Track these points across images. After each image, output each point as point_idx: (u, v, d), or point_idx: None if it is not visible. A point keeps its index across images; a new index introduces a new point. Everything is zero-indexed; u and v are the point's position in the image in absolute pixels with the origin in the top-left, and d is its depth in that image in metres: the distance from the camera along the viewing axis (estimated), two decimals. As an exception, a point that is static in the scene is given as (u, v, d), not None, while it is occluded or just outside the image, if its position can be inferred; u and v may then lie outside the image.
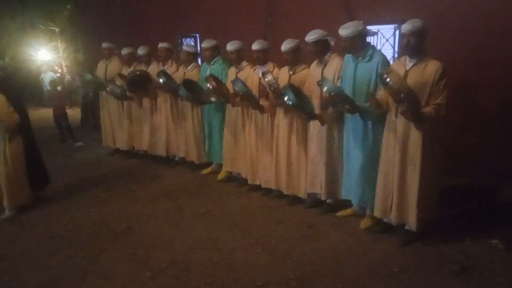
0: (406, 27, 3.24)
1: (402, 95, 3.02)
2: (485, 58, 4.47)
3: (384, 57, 3.63)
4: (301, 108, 3.84)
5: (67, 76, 13.10)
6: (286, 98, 3.82)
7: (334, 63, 3.92)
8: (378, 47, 5.37)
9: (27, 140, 4.64)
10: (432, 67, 3.21)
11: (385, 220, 3.69)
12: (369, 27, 3.68)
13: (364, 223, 3.90)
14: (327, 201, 4.25)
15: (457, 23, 4.57)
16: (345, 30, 3.56)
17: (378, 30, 5.35)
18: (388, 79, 3.02)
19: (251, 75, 4.66)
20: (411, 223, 3.43)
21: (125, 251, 3.67)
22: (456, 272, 3.12)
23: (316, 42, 3.88)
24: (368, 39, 3.70)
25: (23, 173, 4.57)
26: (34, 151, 4.80)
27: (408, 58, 3.35)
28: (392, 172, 3.47)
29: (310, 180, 4.26)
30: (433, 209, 3.53)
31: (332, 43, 3.93)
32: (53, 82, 9.13)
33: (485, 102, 4.59)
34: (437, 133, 3.35)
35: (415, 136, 3.29)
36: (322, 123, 3.92)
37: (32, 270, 3.45)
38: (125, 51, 6.19)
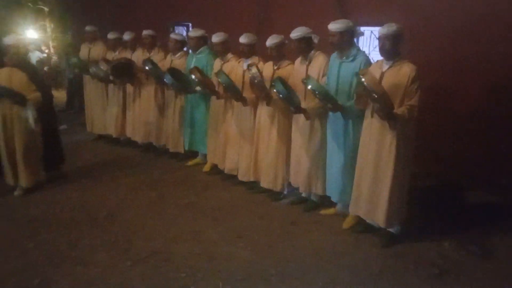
0: (381, 30, 3.33)
1: (375, 96, 3.09)
2: (463, 65, 4.56)
3: (367, 58, 3.72)
4: (289, 100, 3.84)
5: (54, 57, 12.85)
6: (275, 90, 3.82)
7: (318, 61, 3.95)
8: (371, 49, 5.40)
9: (47, 118, 4.61)
10: (406, 70, 3.29)
11: (367, 221, 3.72)
12: (362, 28, 3.73)
13: (347, 222, 3.92)
14: (311, 198, 4.27)
15: (447, 29, 4.63)
16: (335, 25, 3.63)
17: (371, 31, 5.37)
18: (363, 79, 3.10)
19: (236, 67, 4.67)
20: (380, 219, 3.49)
21: (105, 239, 3.63)
22: (434, 275, 3.16)
23: (300, 40, 3.92)
24: (355, 40, 3.76)
25: (38, 151, 4.54)
26: (53, 129, 4.85)
27: (384, 61, 3.42)
28: (367, 168, 3.54)
29: (294, 173, 4.28)
30: (403, 208, 3.57)
31: (315, 40, 3.96)
32: (40, 62, 8.94)
33: (460, 106, 4.69)
34: (410, 133, 3.42)
35: (389, 135, 3.35)
36: (307, 118, 3.94)
37: (8, 253, 3.38)
38: (111, 35, 6.10)
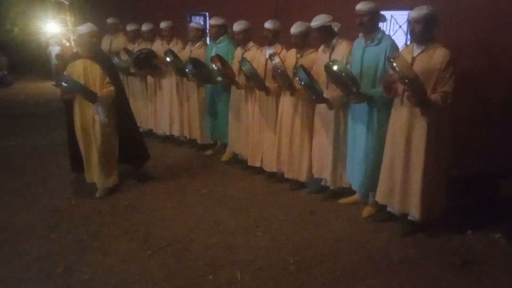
0: (412, 14, 3.21)
1: (406, 81, 2.98)
2: (495, 50, 4.36)
3: (393, 41, 3.59)
4: (312, 88, 3.78)
5: (75, 50, 13.03)
6: (298, 78, 3.76)
7: (342, 48, 3.86)
8: (391, 33, 5.26)
9: (122, 115, 4.36)
10: (439, 55, 3.16)
11: (388, 209, 3.66)
12: (382, 12, 3.62)
13: (366, 211, 3.87)
14: (331, 187, 4.22)
15: (472, 12, 4.44)
16: (366, 4, 3.51)
17: (391, 16, 5.22)
18: (394, 64, 2.99)
19: (258, 56, 4.60)
20: (414, 212, 3.40)
21: (126, 228, 3.68)
22: (457, 265, 3.09)
23: (319, 28, 3.82)
24: (379, 24, 3.64)
25: (114, 150, 4.31)
26: (130, 126, 4.56)
27: (415, 45, 3.30)
28: (397, 159, 3.44)
29: (318, 165, 4.23)
30: (440, 201, 3.47)
31: (335, 28, 3.85)
32: (59, 56, 9.10)
33: (492, 94, 4.49)
34: (443, 122, 3.30)
35: (420, 123, 3.25)
36: (330, 108, 3.87)
37: (32, 243, 3.46)
38: (130, 27, 6.15)
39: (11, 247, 3.41)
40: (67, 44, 13.28)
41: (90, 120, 4.13)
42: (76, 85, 3.93)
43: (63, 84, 3.94)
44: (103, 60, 4.24)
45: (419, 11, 3.16)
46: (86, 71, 4.05)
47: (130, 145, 4.49)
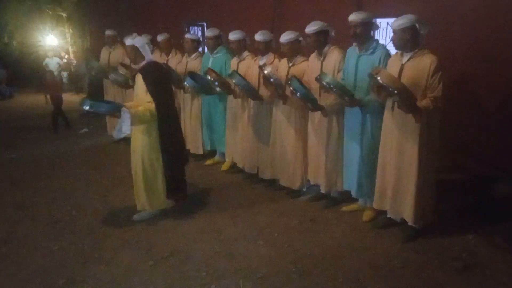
0: (393, 24, 3.27)
1: (395, 92, 3.03)
2: (489, 53, 4.41)
3: (387, 51, 3.64)
4: (307, 98, 3.81)
5: (74, 62, 13.09)
6: (292, 88, 3.79)
7: (333, 56, 3.90)
8: (387, 41, 5.32)
9: (168, 140, 3.93)
10: (426, 61, 3.21)
11: (388, 215, 3.67)
12: (378, 20, 3.67)
13: (367, 215, 3.89)
14: (332, 194, 4.23)
15: (465, 18, 4.50)
16: (359, 15, 3.56)
17: (387, 23, 5.28)
18: (378, 78, 3.04)
19: (252, 65, 4.67)
20: (408, 216, 3.43)
21: (128, 239, 3.68)
22: (459, 269, 3.09)
23: (318, 33, 3.86)
24: (373, 33, 3.71)
25: (160, 174, 3.93)
26: (174, 154, 4.02)
27: (404, 52, 3.34)
28: (390, 164, 3.48)
29: (313, 172, 4.25)
30: (432, 204, 3.51)
31: (332, 33, 3.91)
32: (58, 68, 9.14)
33: (486, 96, 4.54)
34: (434, 126, 3.34)
35: (412, 128, 3.28)
36: (325, 115, 3.90)
37: (34, 255, 3.46)
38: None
39: (13, 259, 3.41)
40: (66, 56, 13.35)
41: (136, 142, 3.91)
42: (98, 108, 3.63)
43: (85, 108, 3.54)
44: (151, 75, 3.82)
45: (398, 22, 3.22)
46: (137, 83, 3.86)
47: (170, 173, 4.02)
